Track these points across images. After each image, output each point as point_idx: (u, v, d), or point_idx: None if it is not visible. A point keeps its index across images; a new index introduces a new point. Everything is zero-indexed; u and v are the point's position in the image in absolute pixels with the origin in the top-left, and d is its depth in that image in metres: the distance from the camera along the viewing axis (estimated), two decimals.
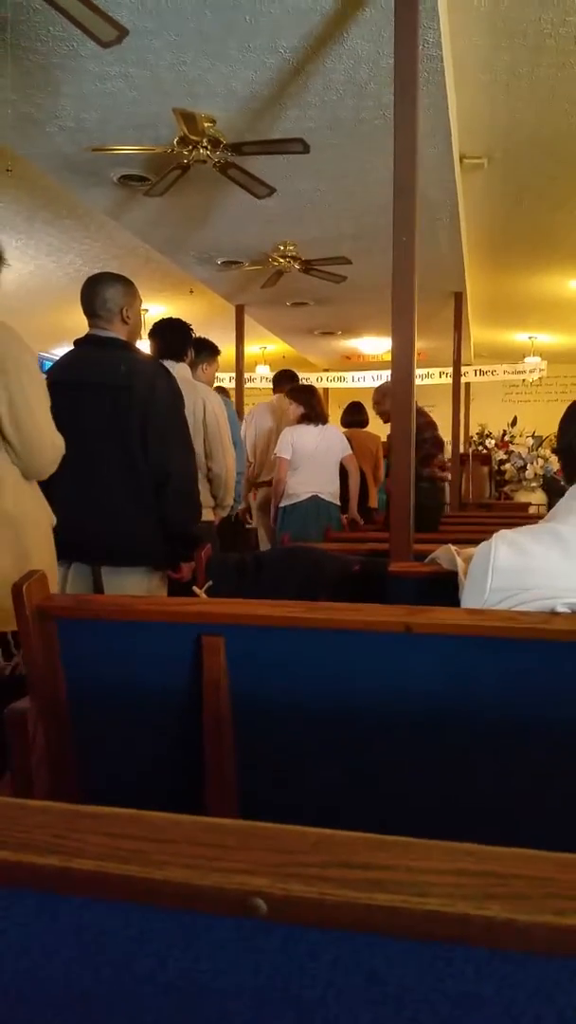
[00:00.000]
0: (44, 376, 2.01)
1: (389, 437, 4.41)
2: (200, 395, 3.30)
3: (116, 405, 2.33)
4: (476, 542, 2.13)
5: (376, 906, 0.45)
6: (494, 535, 1.48)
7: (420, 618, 1.25)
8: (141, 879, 0.47)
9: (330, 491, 4.73)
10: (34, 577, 1.37)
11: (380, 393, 4.69)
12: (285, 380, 5.52)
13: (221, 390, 4.92)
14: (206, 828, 0.51)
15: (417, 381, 2.82)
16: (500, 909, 0.44)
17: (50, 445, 1.88)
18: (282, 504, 4.75)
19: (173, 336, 3.30)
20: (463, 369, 7.90)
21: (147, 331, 3.39)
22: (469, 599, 1.55)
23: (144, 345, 3.56)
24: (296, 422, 4.78)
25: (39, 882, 0.49)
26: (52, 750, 1.39)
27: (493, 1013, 0.46)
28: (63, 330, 5.93)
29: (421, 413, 4.64)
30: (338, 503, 4.77)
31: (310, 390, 5.01)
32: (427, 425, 4.63)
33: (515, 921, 0.44)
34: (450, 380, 7.80)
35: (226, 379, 8.33)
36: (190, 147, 4.15)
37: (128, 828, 0.51)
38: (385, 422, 4.61)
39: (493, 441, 9.87)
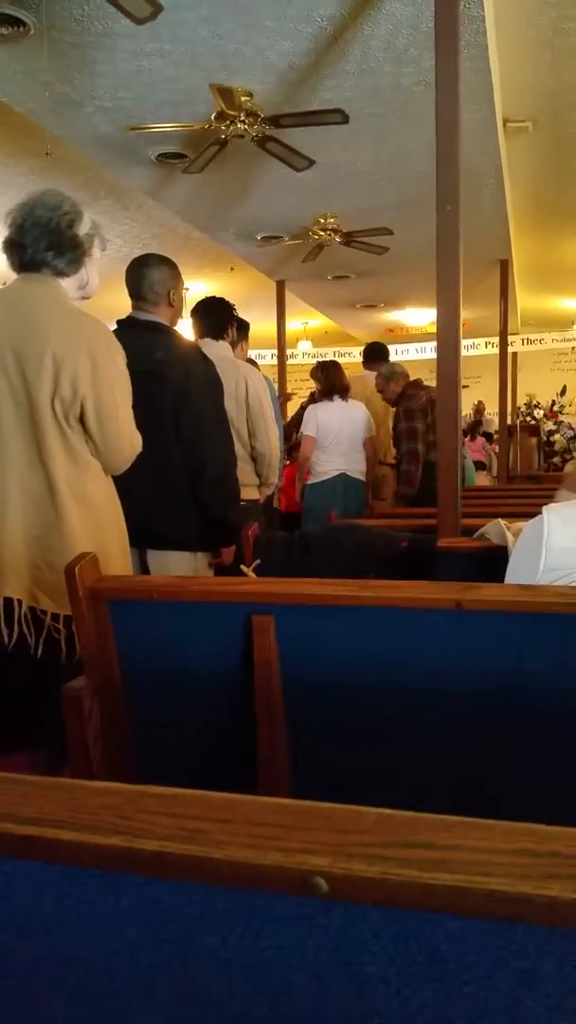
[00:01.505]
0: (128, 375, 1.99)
1: (396, 415, 4.35)
2: (242, 373, 3.30)
3: (151, 391, 2.33)
4: (525, 516, 2.10)
5: (438, 885, 0.45)
6: (544, 510, 1.45)
7: (471, 594, 1.24)
8: (203, 859, 0.48)
9: (358, 469, 4.69)
10: (86, 559, 1.40)
11: (383, 379, 4.59)
12: (376, 357, 5.36)
13: (251, 362, 4.90)
14: (267, 808, 0.52)
15: (462, 352, 2.77)
16: (561, 889, 0.44)
17: (128, 445, 1.90)
18: (309, 481, 4.75)
19: (215, 315, 3.29)
20: (510, 338, 7.72)
21: (188, 310, 3.39)
22: (516, 576, 1.53)
23: (186, 324, 3.57)
24: (319, 398, 4.77)
25: (104, 862, 0.50)
26: (107, 727, 1.42)
27: (554, 990, 0.46)
28: (104, 310, 5.98)
29: (421, 387, 4.53)
30: (364, 480, 4.73)
31: (334, 365, 4.96)
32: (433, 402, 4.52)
33: None
34: (496, 350, 7.65)
35: (268, 355, 8.32)
36: (228, 122, 4.11)
37: (191, 808, 0.52)
38: (393, 405, 4.55)
39: (542, 412, 9.69)
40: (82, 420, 1.80)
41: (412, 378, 5.68)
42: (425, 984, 0.48)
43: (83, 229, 1.87)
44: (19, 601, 1.74)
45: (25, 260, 1.83)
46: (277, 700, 1.34)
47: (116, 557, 1.85)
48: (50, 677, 1.69)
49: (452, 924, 0.47)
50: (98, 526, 1.84)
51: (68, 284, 1.87)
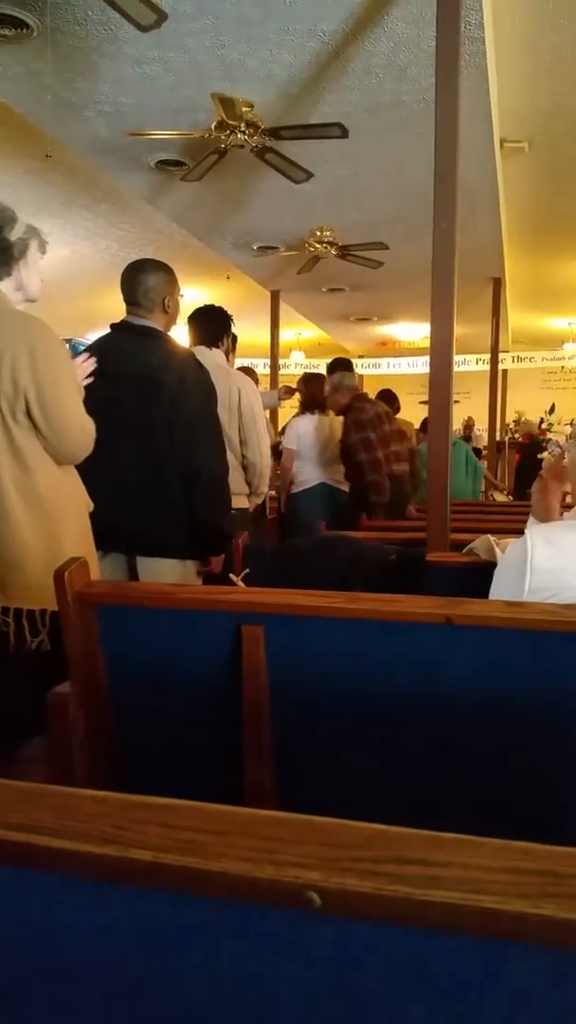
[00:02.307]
0: (74, 363, 2.02)
1: (346, 427, 4.37)
2: (235, 382, 3.30)
3: (144, 397, 2.32)
4: (512, 532, 2.11)
5: (431, 902, 0.45)
6: (527, 530, 1.46)
7: (461, 610, 1.24)
8: (199, 870, 0.48)
9: (336, 478, 4.77)
10: (76, 564, 1.39)
11: (331, 387, 4.62)
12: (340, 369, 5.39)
13: (249, 371, 4.91)
14: (262, 821, 0.52)
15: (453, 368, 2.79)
16: (556, 909, 0.44)
17: (79, 429, 1.90)
18: (292, 491, 4.89)
19: (211, 323, 3.30)
20: (500, 356, 7.79)
21: (184, 317, 3.39)
22: (502, 595, 1.53)
23: (182, 331, 3.56)
24: (302, 410, 4.91)
25: (96, 871, 0.50)
26: (92, 733, 1.41)
27: (548, 1011, 0.45)
28: (98, 314, 5.96)
29: (368, 400, 4.55)
30: (346, 489, 4.79)
31: (316, 379, 5.01)
32: (385, 416, 4.49)
33: (572, 921, 0.44)
34: (487, 367, 7.71)
35: (261, 364, 8.33)
36: (228, 132, 4.13)
37: (185, 819, 0.52)
38: (338, 415, 4.59)
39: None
40: (29, 415, 1.81)
41: (411, 399, 5.68)
42: (416, 1001, 0.48)
43: (15, 234, 1.91)
44: None
45: None
46: (265, 711, 1.33)
47: (72, 554, 1.85)
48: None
49: (445, 941, 0.46)
50: (50, 524, 1.85)
51: (5, 287, 1.89)
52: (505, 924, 0.44)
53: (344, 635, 1.28)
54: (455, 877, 0.46)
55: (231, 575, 1.95)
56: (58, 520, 1.87)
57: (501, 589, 1.47)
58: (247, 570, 1.98)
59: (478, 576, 1.98)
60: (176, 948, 0.51)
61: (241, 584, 1.92)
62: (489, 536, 2.06)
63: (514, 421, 10.24)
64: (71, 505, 1.93)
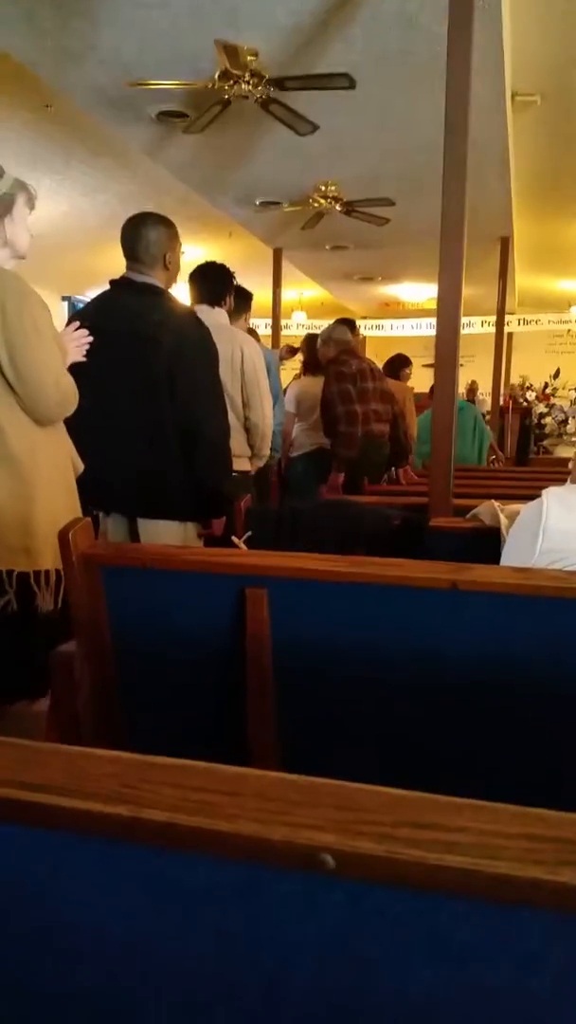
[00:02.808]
0: (61, 328, 1.97)
1: (327, 378, 4.31)
2: (238, 342, 3.25)
3: (144, 356, 2.28)
4: (516, 498, 2.10)
5: (446, 867, 0.45)
6: (544, 492, 1.45)
7: (467, 575, 1.24)
8: (212, 831, 0.48)
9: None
10: (79, 525, 1.38)
11: (321, 340, 4.55)
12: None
13: (251, 332, 4.85)
14: (275, 783, 0.51)
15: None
16: (573, 875, 0.44)
17: (52, 385, 1.84)
18: (291, 454, 4.87)
19: (213, 281, 3.23)
20: (506, 318, 7.68)
21: (186, 274, 3.33)
22: (513, 558, 1.53)
23: (183, 288, 3.50)
24: (303, 371, 4.88)
25: (107, 830, 0.50)
26: (97, 693, 1.42)
27: (562, 975, 0.46)
28: (97, 272, 5.88)
29: (356, 356, 4.47)
30: None
31: (312, 340, 4.94)
32: (370, 373, 4.40)
33: None
34: (492, 329, 7.61)
35: (262, 325, 8.23)
36: (232, 82, 4.02)
37: (197, 780, 0.51)
38: (323, 366, 4.51)
39: (534, 394, 9.68)
40: (2, 372, 1.78)
41: (403, 356, 5.62)
42: (426, 965, 0.48)
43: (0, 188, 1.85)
44: None
45: None
46: (268, 672, 1.34)
47: (48, 517, 1.84)
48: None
49: (457, 905, 0.46)
50: (23, 484, 1.83)
51: None
52: (520, 890, 0.44)
53: (348, 599, 1.28)
54: (469, 842, 0.46)
55: (233, 538, 1.94)
56: (31, 480, 1.84)
57: (514, 550, 1.46)
58: (249, 533, 1.97)
59: (482, 542, 1.98)
60: (188, 908, 0.52)
61: (243, 547, 1.91)
62: (493, 501, 2.05)
63: (519, 385, 10.15)
64: (49, 465, 1.89)
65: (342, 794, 0.50)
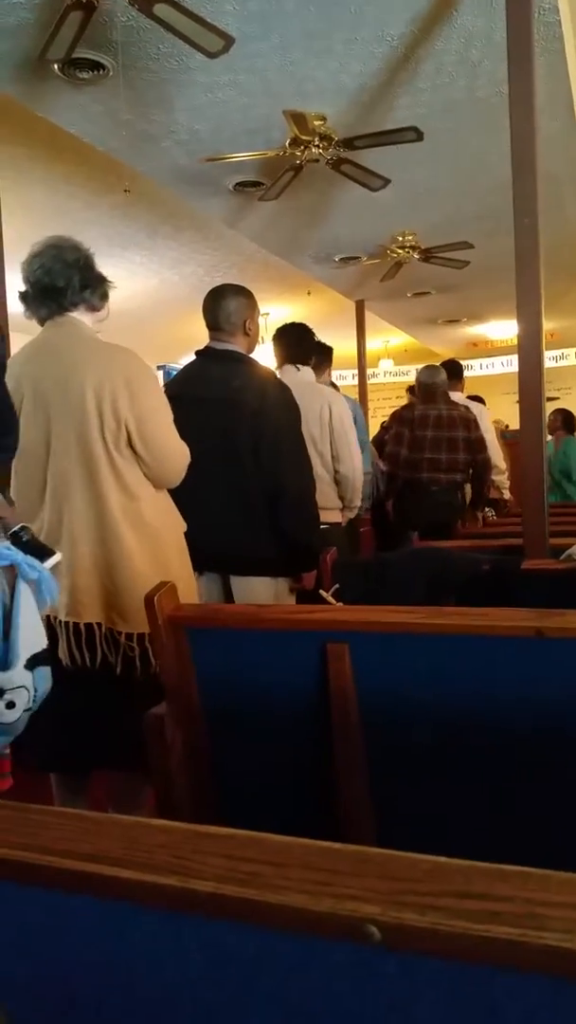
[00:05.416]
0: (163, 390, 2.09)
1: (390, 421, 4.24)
2: (326, 399, 3.31)
3: (228, 420, 2.37)
4: None
5: (492, 938, 0.44)
6: None
7: (553, 622, 1.20)
8: (258, 902, 0.48)
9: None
10: (165, 588, 1.43)
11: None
12: (453, 376, 5.11)
13: (332, 385, 4.90)
14: (320, 852, 0.52)
15: (550, 364, 2.70)
16: None
17: (179, 453, 1.98)
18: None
19: (296, 341, 3.32)
20: None
21: (270, 335, 3.43)
22: None
23: (267, 350, 3.60)
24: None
25: (161, 900, 0.51)
26: (189, 754, 1.44)
27: None
28: (187, 339, 6.10)
29: (429, 399, 4.36)
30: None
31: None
32: (438, 421, 4.31)
33: None
34: None
35: (349, 376, 8.32)
36: (302, 147, 4.17)
37: (246, 851, 0.52)
38: None
39: None
40: (131, 445, 1.88)
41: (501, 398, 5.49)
42: None
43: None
44: (99, 625, 1.82)
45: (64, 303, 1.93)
46: (355, 728, 1.33)
47: (177, 575, 1.90)
48: (128, 695, 1.77)
49: (509, 978, 0.45)
50: (157, 547, 1.91)
51: (84, 317, 1.97)
52: (568, 962, 0.42)
53: (430, 651, 1.26)
54: (515, 912, 0.45)
55: (321, 591, 1.95)
56: (164, 543, 1.93)
57: None
58: (336, 585, 1.98)
59: None
60: (244, 977, 0.52)
61: (332, 600, 1.92)
62: None
63: None
64: (172, 528, 1.99)
65: (387, 863, 0.50)
